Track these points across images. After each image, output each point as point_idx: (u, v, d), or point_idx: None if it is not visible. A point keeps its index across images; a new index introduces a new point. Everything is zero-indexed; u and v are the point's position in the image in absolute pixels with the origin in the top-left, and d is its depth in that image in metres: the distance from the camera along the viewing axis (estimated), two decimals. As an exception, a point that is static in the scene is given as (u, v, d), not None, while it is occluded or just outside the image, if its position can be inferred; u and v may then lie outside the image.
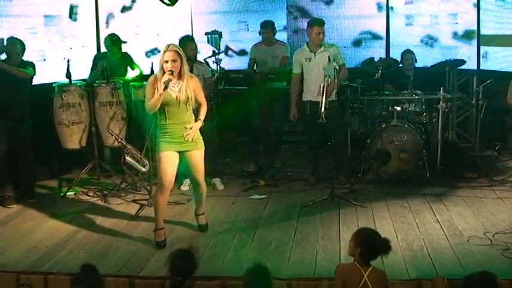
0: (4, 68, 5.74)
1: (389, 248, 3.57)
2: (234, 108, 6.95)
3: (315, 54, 6.26)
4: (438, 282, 3.96)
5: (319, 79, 5.97)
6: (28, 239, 5.15)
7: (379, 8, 7.95)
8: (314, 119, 5.95)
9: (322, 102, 5.73)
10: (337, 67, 5.92)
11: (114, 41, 6.89)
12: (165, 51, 4.70)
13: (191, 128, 4.81)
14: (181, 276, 3.55)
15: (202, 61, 6.75)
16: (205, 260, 4.57)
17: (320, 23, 6.30)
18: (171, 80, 4.65)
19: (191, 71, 6.14)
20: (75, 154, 6.70)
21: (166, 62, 4.66)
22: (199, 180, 5.02)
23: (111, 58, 6.87)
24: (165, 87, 4.61)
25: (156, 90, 4.66)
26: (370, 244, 3.56)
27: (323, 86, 5.81)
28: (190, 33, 7.79)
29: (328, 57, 6.03)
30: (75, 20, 7.21)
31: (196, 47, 6.43)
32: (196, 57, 6.47)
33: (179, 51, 4.70)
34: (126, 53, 7.07)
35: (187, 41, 6.31)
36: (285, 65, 7.18)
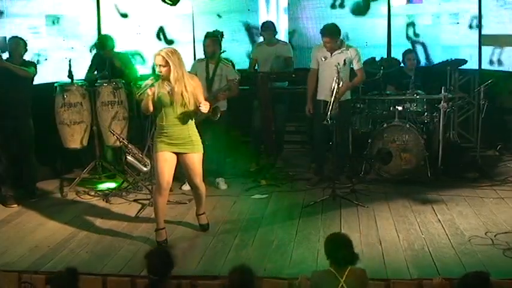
0: (6, 67, 5.75)
1: (355, 260, 3.47)
2: (235, 108, 6.94)
3: (331, 54, 6.24)
4: (438, 283, 3.96)
5: (332, 80, 5.96)
6: (30, 238, 5.17)
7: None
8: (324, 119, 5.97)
9: (330, 104, 5.73)
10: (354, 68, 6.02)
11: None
12: (155, 55, 4.77)
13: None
14: (157, 275, 3.58)
15: (229, 62, 6.54)
16: (206, 260, 4.59)
17: (322, 33, 6.22)
18: (151, 84, 4.68)
19: (214, 70, 6.16)
20: (76, 154, 6.72)
21: (156, 65, 4.75)
22: (196, 183, 5.03)
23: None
24: (142, 93, 4.66)
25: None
26: (333, 254, 3.49)
27: (333, 88, 5.81)
28: (190, 34, 7.83)
29: (344, 60, 6.04)
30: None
31: (212, 43, 6.25)
32: (214, 55, 6.25)
33: (166, 57, 4.68)
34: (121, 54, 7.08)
35: (205, 38, 6.33)
36: (290, 65, 7.19)
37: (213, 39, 6.31)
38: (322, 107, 6.23)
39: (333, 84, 5.77)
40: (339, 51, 6.22)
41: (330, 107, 5.70)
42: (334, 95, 5.73)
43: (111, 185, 6.55)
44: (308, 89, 6.47)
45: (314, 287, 3.56)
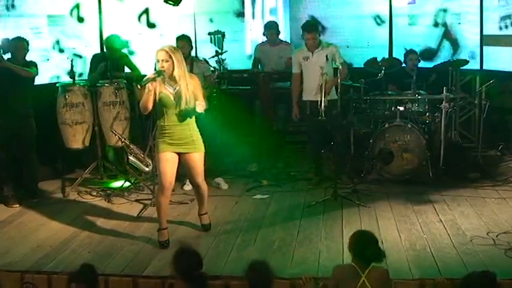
0: (8, 67, 5.76)
1: (382, 257, 3.52)
2: (237, 108, 6.95)
3: (312, 54, 6.26)
4: (440, 283, 3.96)
5: (317, 78, 5.98)
6: (32, 238, 5.17)
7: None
8: (314, 119, 5.98)
9: (320, 100, 5.75)
10: (338, 65, 5.95)
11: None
12: (157, 51, 4.75)
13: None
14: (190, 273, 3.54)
15: (202, 59, 6.67)
16: (208, 260, 4.57)
17: (308, 29, 6.28)
18: (152, 79, 4.65)
19: (191, 70, 6.17)
20: (78, 154, 6.72)
21: (158, 61, 4.73)
22: (198, 182, 5.03)
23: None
24: (143, 84, 4.63)
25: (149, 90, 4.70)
26: (361, 251, 3.51)
27: (321, 84, 5.83)
28: (192, 34, 7.81)
29: (326, 56, 6.08)
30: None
31: (185, 45, 6.30)
32: (188, 56, 6.31)
33: (170, 52, 4.70)
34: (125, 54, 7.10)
35: (177, 40, 6.37)
36: (291, 66, 7.19)
37: (186, 40, 6.38)
38: (308, 107, 6.24)
39: (320, 81, 5.81)
40: (319, 48, 6.26)
41: (322, 103, 5.72)
42: (323, 90, 5.76)
43: (118, 183, 6.54)
44: (293, 94, 6.51)
45: (335, 280, 3.57)
